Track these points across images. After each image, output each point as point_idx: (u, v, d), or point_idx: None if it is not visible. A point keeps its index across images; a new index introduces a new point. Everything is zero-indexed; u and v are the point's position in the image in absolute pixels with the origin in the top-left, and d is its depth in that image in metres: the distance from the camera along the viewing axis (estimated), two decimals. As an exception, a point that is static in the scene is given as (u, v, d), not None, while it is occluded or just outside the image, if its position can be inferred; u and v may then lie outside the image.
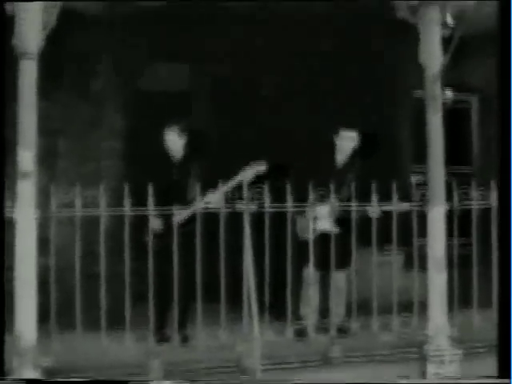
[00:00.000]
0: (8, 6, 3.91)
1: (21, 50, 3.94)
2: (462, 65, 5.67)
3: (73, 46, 5.52)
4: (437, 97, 4.54)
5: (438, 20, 4.51)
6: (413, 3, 4.50)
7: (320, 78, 6.22)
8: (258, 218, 4.44)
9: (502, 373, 3.77)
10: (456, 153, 6.19)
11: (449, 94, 4.79)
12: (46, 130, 4.54)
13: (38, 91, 4.04)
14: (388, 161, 6.01)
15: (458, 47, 4.46)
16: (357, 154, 5.53)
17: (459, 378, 4.38)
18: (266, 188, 4.36)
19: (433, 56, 4.54)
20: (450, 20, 4.49)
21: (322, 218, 5.12)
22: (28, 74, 3.96)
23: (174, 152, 5.33)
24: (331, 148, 5.50)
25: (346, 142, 5.46)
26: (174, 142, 5.33)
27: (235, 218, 4.40)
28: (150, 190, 4.24)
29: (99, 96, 5.84)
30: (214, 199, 4.56)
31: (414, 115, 6.15)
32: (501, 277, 4.17)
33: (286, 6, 5.35)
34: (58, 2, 4.01)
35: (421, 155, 5.08)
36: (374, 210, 4.70)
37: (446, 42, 4.52)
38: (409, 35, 4.77)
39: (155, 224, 4.80)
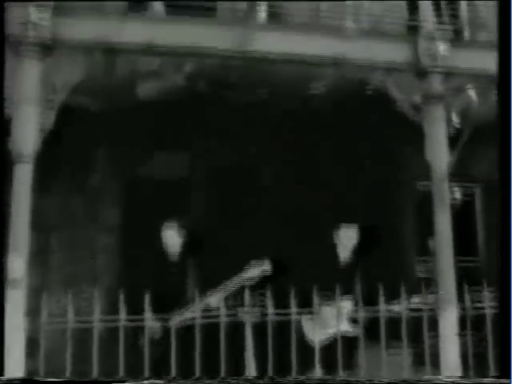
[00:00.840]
0: (6, 110, 3.85)
1: (17, 154, 3.84)
2: (466, 157, 5.58)
3: (70, 144, 5.42)
4: (445, 196, 4.42)
5: (443, 118, 4.46)
6: (416, 101, 4.46)
7: (321, 169, 6.12)
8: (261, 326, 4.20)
9: (502, 373, 3.67)
10: (461, 243, 6.02)
11: (457, 193, 4.67)
12: (39, 226, 4.40)
13: (32, 189, 3.93)
14: (393, 255, 5.81)
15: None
16: (360, 249, 5.35)
17: (459, 378, 4.21)
18: (268, 293, 4.13)
19: (439, 154, 4.46)
20: (455, 118, 4.43)
21: (339, 319, 4.86)
22: (23, 179, 3.85)
23: (172, 248, 5.14)
24: (333, 245, 5.32)
25: (348, 238, 5.29)
26: (172, 238, 5.15)
27: (237, 326, 4.16)
28: (147, 298, 4.02)
29: (95, 191, 5.72)
30: (214, 302, 4.34)
31: (420, 208, 6.01)
32: (501, 276, 3.97)
33: (286, 100, 5.31)
34: (56, 104, 3.96)
35: (427, 248, 4.90)
36: (396, 308, 4.47)
37: (453, 139, 4.45)
38: (413, 131, 4.70)
39: (152, 329, 4.54)
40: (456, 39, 4.66)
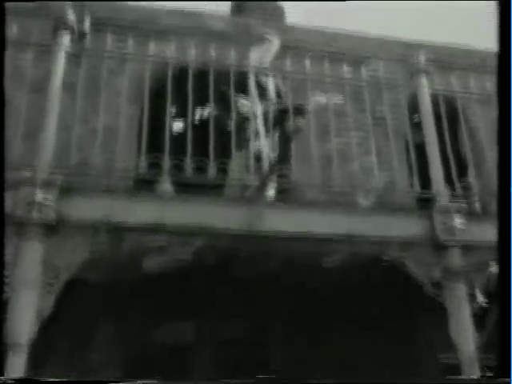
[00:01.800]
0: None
1: (12, 343, 3.57)
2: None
3: (69, 320, 5.17)
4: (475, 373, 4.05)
5: (466, 295, 4.21)
6: (435, 277, 4.24)
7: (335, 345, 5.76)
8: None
9: (502, 373, 3.53)
10: None
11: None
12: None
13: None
14: None
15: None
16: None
17: (459, 378, 3.99)
18: None
19: (464, 334, 4.15)
20: (479, 295, 4.19)
21: None
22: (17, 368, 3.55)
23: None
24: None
25: None
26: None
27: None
28: None
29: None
30: None
31: None
32: (501, 276, 3.67)
33: (298, 273, 5.12)
34: (57, 288, 3.76)
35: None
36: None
37: (479, 317, 4.17)
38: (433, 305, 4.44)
39: None
40: (470, 211, 4.52)
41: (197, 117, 7.11)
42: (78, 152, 5.16)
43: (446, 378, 4.11)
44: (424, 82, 4.96)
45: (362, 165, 4.69)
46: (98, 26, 7.36)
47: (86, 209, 3.92)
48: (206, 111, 6.29)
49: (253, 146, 4.49)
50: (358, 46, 7.33)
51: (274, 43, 5.92)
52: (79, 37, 6.90)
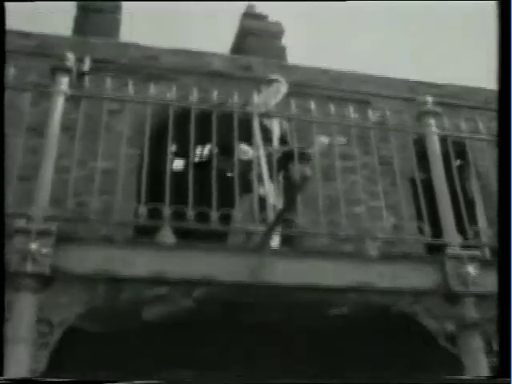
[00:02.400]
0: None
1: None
2: None
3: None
4: None
5: (482, 349, 4.01)
6: (450, 330, 4.04)
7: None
8: None
9: (502, 373, 3.51)
10: None
11: None
12: None
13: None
14: None
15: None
16: None
17: (459, 378, 3.90)
18: None
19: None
20: (495, 347, 3.98)
21: None
22: None
23: None
24: None
25: None
26: None
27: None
28: None
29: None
30: None
31: None
32: (501, 276, 3.66)
33: (304, 320, 4.93)
34: (51, 345, 3.56)
35: None
36: None
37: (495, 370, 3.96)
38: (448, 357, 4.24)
39: None
40: (483, 259, 4.34)
41: (198, 160, 7.00)
42: (75, 197, 5.03)
43: (445, 378, 3.93)
44: (432, 123, 4.83)
45: (369, 209, 4.53)
46: (99, 64, 7.30)
47: (83, 259, 3.74)
48: (208, 154, 6.17)
49: (256, 191, 4.33)
50: (362, 85, 7.26)
51: (282, 86, 5.80)
52: (79, 76, 6.83)
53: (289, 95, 7.15)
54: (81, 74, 7.02)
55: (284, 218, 3.89)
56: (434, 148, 4.68)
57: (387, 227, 4.30)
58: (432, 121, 4.85)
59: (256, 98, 4.67)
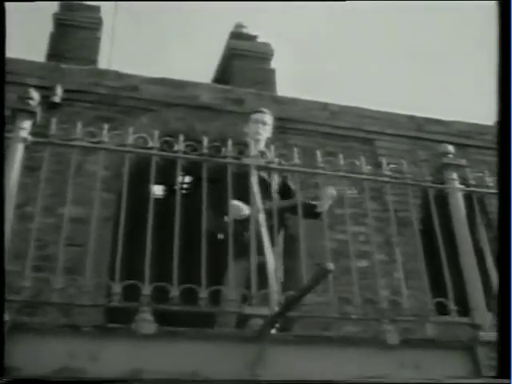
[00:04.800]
0: None
1: None
2: None
3: None
4: None
5: None
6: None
7: None
8: None
9: (502, 373, 3.37)
10: None
11: None
12: None
13: None
14: None
15: None
16: None
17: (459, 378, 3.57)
18: None
19: None
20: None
21: None
22: None
23: None
24: None
25: None
26: None
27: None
28: None
29: None
30: None
31: None
32: (501, 276, 3.40)
33: None
34: None
35: None
36: None
37: None
38: None
39: None
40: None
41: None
42: (40, 249, 4.33)
43: (445, 378, 3.38)
44: (455, 177, 4.19)
45: (386, 284, 3.85)
46: (73, 94, 6.60)
47: (41, 354, 3.01)
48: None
49: (254, 258, 3.64)
50: (365, 121, 6.64)
51: (269, 118, 5.16)
52: (49, 108, 6.10)
53: (286, 133, 6.53)
54: (51, 105, 6.32)
55: (294, 306, 3.21)
56: (459, 208, 4.03)
57: (408, 307, 3.62)
58: (455, 174, 4.21)
59: (253, 149, 3.99)
